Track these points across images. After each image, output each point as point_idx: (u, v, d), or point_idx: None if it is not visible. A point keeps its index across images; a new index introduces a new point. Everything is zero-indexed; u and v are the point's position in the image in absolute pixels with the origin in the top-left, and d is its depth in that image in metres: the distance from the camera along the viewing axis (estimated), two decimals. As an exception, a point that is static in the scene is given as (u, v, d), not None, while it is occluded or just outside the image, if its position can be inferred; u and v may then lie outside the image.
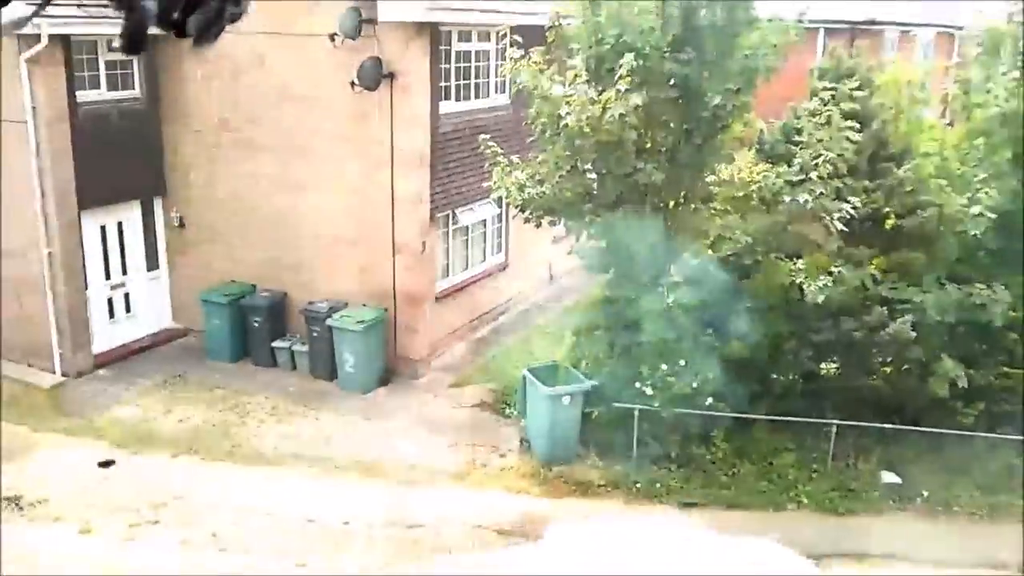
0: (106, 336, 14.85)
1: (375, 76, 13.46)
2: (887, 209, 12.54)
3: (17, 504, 10.64)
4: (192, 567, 9.58)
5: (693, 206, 12.06)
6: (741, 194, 12.04)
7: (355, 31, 13.33)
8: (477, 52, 15.33)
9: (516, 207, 12.44)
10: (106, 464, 11.71)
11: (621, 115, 10.82)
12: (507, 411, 13.49)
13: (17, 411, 13.01)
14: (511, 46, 11.73)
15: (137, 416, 13.10)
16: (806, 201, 11.13)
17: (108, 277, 15.01)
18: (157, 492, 11.07)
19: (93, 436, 12.45)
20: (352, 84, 13.64)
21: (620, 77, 10.80)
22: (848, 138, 11.43)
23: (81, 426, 12.74)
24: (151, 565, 9.63)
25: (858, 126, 11.68)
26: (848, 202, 11.24)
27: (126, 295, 15.36)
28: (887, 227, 12.50)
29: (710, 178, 12.11)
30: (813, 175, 11.20)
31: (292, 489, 11.34)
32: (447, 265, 15.91)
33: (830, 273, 11.23)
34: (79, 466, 11.66)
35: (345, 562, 9.96)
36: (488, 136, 12.81)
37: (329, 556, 10.02)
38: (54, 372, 13.85)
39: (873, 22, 24.82)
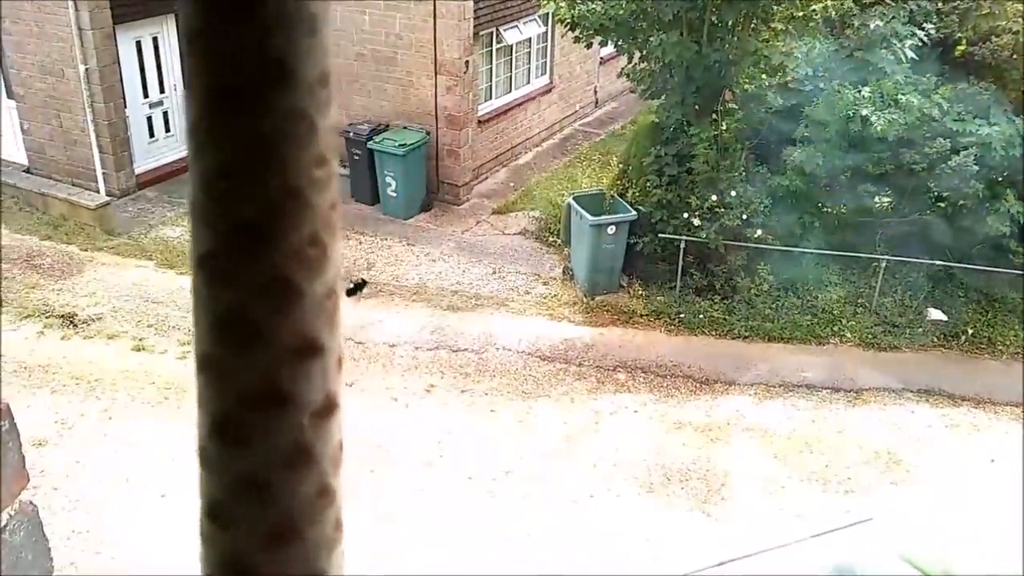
0: (147, 156, 14.74)
1: None
2: (959, 35, 11.79)
3: (72, 321, 10.90)
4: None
5: (753, 25, 11.38)
6: (802, 14, 11.33)
7: None
8: None
9: (565, 25, 11.85)
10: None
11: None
12: (550, 239, 13.40)
13: (65, 230, 13.15)
14: None
15: (183, 237, 13.19)
16: (877, 26, 10.45)
17: (146, 95, 14.71)
18: (206, 312, 11.26)
19: (140, 256, 12.60)
20: None
21: None
22: (926, -47, 10.61)
23: (128, 246, 12.87)
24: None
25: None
26: (922, 28, 10.54)
27: (165, 114, 15.10)
28: (958, 54, 11.80)
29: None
30: (886, -4, 10.49)
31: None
32: (490, 87, 15.41)
33: (896, 102, 10.68)
34: (129, 285, 11.86)
35: (392, 382, 10.21)
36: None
37: (375, 377, 10.27)
38: (98, 192, 13.86)
39: None
